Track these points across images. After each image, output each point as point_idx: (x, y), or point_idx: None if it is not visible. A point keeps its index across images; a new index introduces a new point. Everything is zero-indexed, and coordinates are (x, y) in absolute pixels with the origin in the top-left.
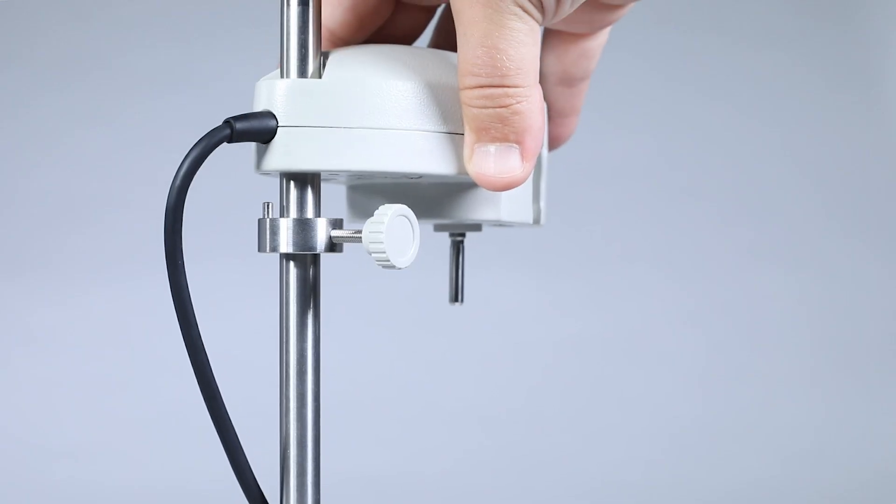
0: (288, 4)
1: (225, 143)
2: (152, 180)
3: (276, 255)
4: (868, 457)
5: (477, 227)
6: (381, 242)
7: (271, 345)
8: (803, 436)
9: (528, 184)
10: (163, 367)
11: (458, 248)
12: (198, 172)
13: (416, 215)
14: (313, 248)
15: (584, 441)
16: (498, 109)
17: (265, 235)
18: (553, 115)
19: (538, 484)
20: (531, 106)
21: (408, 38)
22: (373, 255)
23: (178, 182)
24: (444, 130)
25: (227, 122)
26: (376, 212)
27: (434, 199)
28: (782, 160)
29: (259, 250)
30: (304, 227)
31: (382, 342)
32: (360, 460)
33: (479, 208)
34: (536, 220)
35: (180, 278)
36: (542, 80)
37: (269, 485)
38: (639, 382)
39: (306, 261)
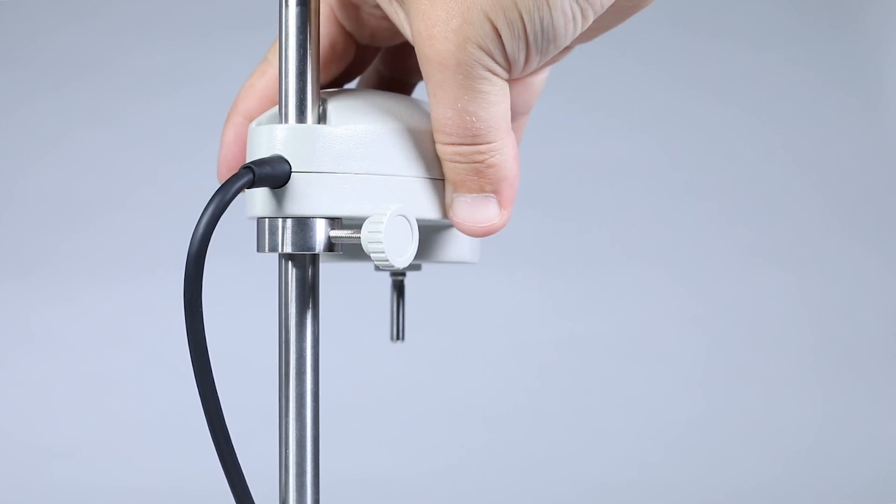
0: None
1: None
2: (152, 180)
3: (276, 255)
4: (868, 457)
5: (417, 266)
6: (380, 242)
7: (270, 345)
8: (804, 436)
9: None
10: (162, 367)
11: (399, 288)
12: (195, 173)
13: None
14: (312, 248)
15: (585, 441)
16: (473, 164)
17: (264, 235)
18: None
19: (539, 484)
20: (504, 157)
21: (355, 74)
22: (372, 254)
23: (200, 230)
24: (434, 177)
25: (247, 167)
26: (375, 212)
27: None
28: (783, 160)
29: (258, 250)
30: (302, 227)
31: (382, 342)
32: (359, 460)
33: (447, 250)
34: (476, 260)
35: (198, 325)
36: None
37: (268, 485)
38: (640, 382)
39: (305, 261)
